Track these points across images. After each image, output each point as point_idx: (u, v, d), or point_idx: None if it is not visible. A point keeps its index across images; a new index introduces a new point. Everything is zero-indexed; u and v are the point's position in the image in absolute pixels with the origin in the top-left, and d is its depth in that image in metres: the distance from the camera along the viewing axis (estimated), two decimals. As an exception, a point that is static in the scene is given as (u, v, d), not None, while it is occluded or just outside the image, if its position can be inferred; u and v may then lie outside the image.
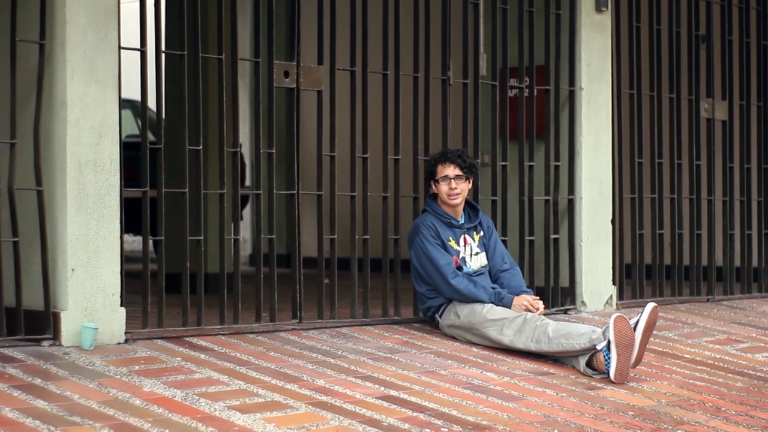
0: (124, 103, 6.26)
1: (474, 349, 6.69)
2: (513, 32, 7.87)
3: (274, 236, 6.81)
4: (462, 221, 7.04)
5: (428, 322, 7.14)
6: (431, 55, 7.46)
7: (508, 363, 6.47)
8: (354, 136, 7.18)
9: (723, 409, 5.96)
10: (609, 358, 6.27)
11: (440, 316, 6.96)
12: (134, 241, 11.53)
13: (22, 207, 5.86)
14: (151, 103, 6.59)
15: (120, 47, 6.06)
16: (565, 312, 7.94)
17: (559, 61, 8.01)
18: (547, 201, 7.97)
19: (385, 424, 5.18)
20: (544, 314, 6.86)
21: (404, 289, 7.38)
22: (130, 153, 6.67)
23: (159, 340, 6.20)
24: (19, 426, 4.67)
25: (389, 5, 7.32)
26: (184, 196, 6.45)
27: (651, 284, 8.63)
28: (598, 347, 6.32)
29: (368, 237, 7.21)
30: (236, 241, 6.71)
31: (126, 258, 6.15)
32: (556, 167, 8.00)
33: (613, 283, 8.23)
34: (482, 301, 6.78)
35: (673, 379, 6.48)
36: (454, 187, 6.94)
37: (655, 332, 7.16)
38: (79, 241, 5.89)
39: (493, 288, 6.88)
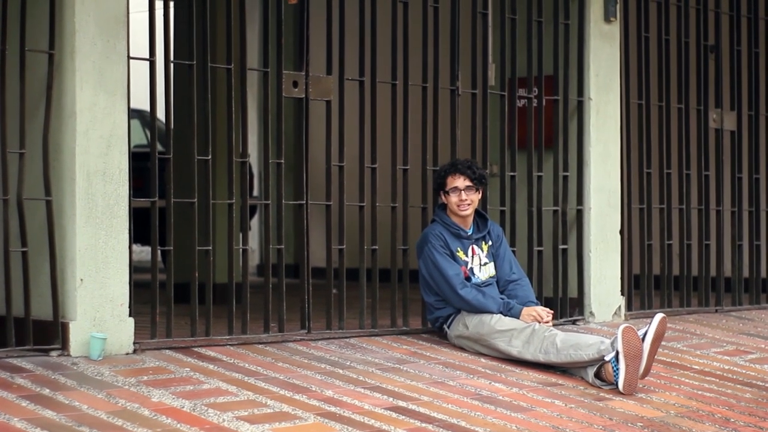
0: (132, 113, 6.26)
1: (482, 360, 6.68)
2: (522, 42, 7.87)
3: (282, 246, 6.81)
4: (470, 232, 7.03)
5: (437, 332, 7.13)
6: (440, 65, 7.46)
7: (516, 374, 6.46)
8: (363, 146, 7.18)
9: (732, 420, 5.95)
10: (617, 369, 6.25)
11: (449, 327, 6.95)
12: (143, 251, 11.54)
13: (31, 217, 5.87)
14: (160, 113, 6.59)
15: (129, 57, 6.07)
16: (574, 322, 7.93)
17: (567, 71, 8.01)
18: (555, 211, 7.96)
19: (393, 435, 5.18)
20: (552, 325, 6.86)
21: (413, 299, 7.37)
22: (139, 163, 6.67)
23: (167, 351, 6.20)
24: (27, 436, 4.68)
25: (398, 15, 7.32)
26: (192, 206, 6.45)
27: (659, 295, 8.61)
28: (607, 358, 6.30)
29: (377, 247, 7.21)
30: (245, 251, 6.71)
31: (135, 268, 6.15)
32: (565, 177, 7.99)
33: (622, 294, 8.21)
34: (491, 312, 6.77)
35: (682, 390, 6.47)
36: (464, 198, 6.92)
37: (663, 343, 7.14)
38: (87, 251, 5.90)
39: (502, 298, 6.87)
